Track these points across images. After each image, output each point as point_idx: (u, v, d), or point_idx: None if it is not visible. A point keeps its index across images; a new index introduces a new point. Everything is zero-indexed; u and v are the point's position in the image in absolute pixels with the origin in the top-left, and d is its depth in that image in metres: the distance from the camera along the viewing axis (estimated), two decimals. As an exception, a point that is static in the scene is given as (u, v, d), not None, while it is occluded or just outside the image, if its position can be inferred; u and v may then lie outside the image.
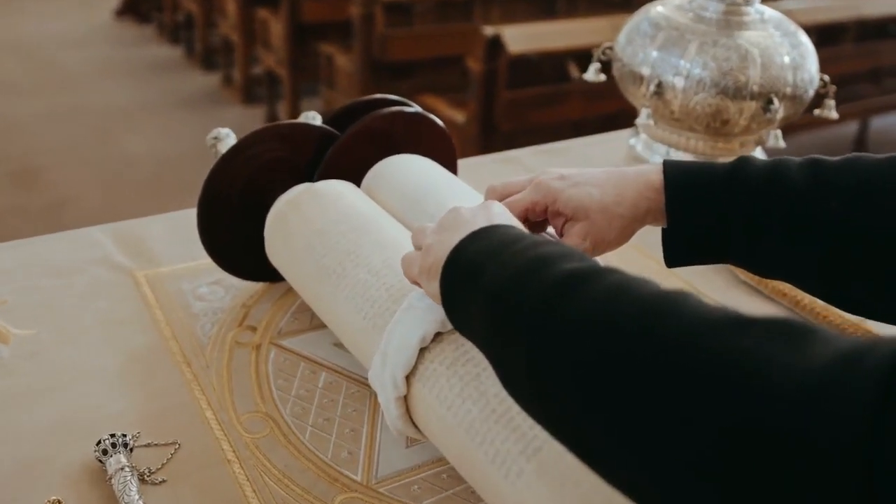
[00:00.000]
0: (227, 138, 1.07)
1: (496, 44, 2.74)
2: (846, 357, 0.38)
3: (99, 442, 0.73)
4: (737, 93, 1.10)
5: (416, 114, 1.01)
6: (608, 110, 2.85)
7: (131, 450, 0.74)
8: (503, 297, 0.53)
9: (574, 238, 0.72)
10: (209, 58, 4.97)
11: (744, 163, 0.70)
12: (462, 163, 1.30)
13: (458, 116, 2.97)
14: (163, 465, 0.75)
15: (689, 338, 0.43)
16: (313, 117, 1.13)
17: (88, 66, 4.95)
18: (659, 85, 1.13)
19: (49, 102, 4.38)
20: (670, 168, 0.71)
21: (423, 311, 0.67)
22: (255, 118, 4.28)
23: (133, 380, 0.84)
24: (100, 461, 0.73)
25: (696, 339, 0.43)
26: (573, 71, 2.95)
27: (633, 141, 1.27)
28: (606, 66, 1.25)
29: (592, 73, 1.25)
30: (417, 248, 0.68)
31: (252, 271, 0.97)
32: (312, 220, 0.83)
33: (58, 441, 0.76)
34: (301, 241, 0.83)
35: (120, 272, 1.00)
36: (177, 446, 0.77)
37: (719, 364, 0.41)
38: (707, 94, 1.11)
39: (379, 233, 0.79)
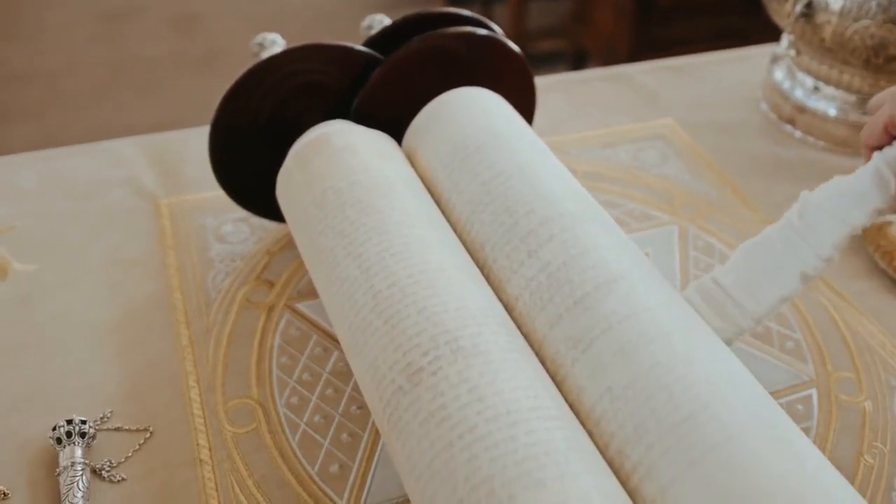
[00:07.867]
0: (273, 46, 0.92)
1: None
2: None
3: (55, 428, 0.64)
4: (911, 22, 0.85)
5: (487, 37, 0.82)
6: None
7: (92, 438, 0.65)
8: None
9: None
10: None
11: None
12: (558, 79, 1.11)
13: (615, -15, 2.67)
14: (126, 458, 0.65)
15: None
16: (380, 21, 0.96)
17: None
18: (809, 4, 0.88)
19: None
20: None
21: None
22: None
23: (124, 340, 0.74)
24: (55, 448, 0.64)
25: None
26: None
27: (773, 68, 1.02)
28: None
29: (732, -22, 1.00)
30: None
31: (274, 210, 0.80)
32: (314, 184, 0.67)
33: (22, 414, 0.67)
34: (300, 210, 0.68)
35: (143, 198, 0.89)
36: (148, 434, 0.67)
37: None
38: (871, 22, 0.85)
39: (384, 211, 0.63)
